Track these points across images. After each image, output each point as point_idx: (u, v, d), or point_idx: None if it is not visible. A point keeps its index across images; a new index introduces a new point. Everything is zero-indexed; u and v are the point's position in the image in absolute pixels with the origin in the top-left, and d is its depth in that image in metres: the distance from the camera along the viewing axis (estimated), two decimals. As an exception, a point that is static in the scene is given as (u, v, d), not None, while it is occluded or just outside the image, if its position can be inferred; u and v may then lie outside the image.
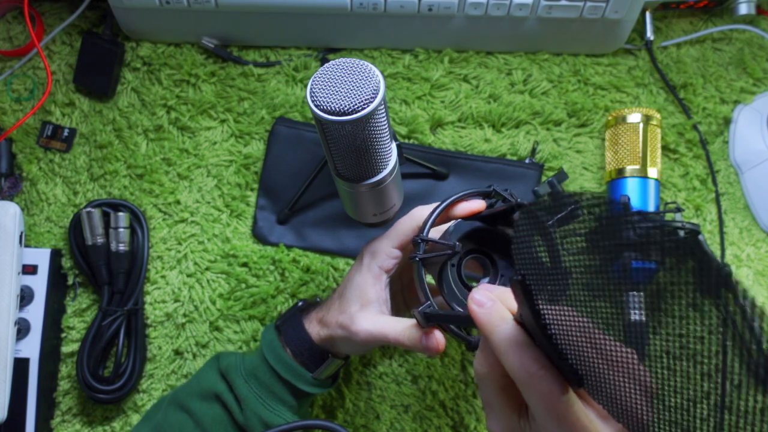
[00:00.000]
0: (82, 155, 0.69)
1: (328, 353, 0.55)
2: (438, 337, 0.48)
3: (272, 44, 0.71)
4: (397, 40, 0.70)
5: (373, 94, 0.42)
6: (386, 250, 0.52)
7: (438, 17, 0.67)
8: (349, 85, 0.42)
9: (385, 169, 0.48)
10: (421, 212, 0.52)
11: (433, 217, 0.49)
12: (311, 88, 0.42)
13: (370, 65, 0.42)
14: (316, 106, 0.42)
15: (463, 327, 0.47)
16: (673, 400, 0.25)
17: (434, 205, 0.51)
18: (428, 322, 0.47)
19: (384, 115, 0.44)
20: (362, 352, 0.65)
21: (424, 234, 0.49)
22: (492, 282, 0.53)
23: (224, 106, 0.70)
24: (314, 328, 0.55)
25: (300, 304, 0.59)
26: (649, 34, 0.70)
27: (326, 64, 0.43)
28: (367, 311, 0.51)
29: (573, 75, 0.71)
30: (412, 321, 0.49)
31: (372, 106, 0.41)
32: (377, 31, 0.69)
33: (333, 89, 0.42)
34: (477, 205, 0.50)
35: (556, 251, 0.29)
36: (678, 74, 0.71)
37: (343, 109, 0.41)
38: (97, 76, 0.69)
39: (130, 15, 0.68)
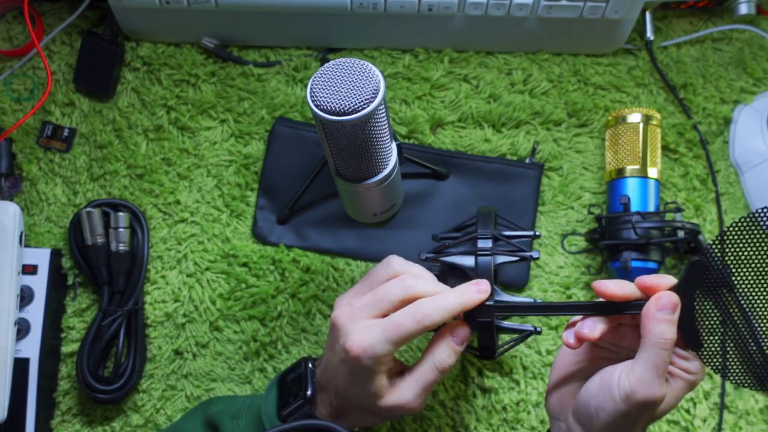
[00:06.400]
0: (82, 155, 0.69)
1: None
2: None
3: (272, 44, 0.71)
4: (397, 40, 0.70)
5: (373, 94, 0.42)
6: (390, 354, 0.47)
7: (438, 17, 0.67)
8: (349, 85, 0.42)
9: (385, 169, 0.48)
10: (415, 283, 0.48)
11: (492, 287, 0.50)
12: (311, 88, 0.42)
13: (370, 65, 0.43)
14: (316, 106, 0.42)
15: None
16: None
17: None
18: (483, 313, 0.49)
19: (384, 115, 0.44)
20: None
21: (493, 299, 0.49)
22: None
23: (224, 106, 0.70)
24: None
25: (309, 395, 0.52)
26: (649, 34, 0.70)
27: (326, 64, 0.43)
28: (401, 387, 0.49)
29: (573, 75, 0.71)
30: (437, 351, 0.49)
31: (372, 105, 0.41)
32: (377, 31, 0.69)
33: (333, 89, 0.42)
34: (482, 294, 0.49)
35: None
36: (678, 74, 0.71)
37: (343, 109, 0.41)
38: (97, 76, 0.69)
39: (130, 15, 0.68)
